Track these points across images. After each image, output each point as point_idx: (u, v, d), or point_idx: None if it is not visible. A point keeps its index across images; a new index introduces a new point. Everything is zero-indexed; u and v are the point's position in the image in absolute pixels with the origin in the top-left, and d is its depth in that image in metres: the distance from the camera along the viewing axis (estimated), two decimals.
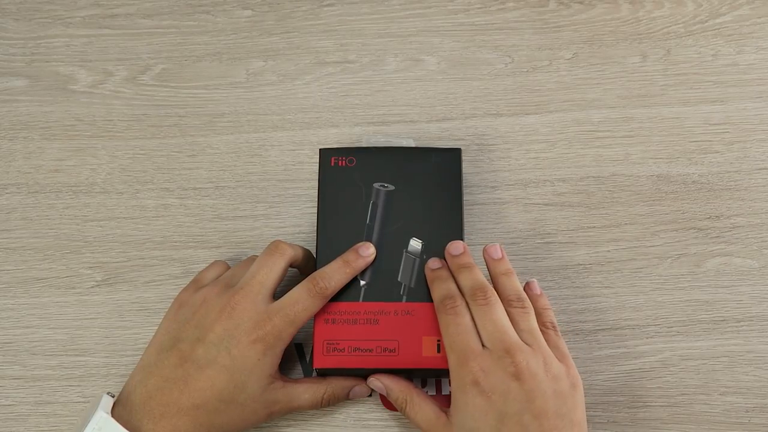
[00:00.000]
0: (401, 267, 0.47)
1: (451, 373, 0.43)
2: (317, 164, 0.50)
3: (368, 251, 0.47)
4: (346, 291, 0.47)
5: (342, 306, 0.46)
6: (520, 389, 0.41)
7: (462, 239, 0.48)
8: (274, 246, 0.47)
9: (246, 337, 0.44)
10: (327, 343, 0.46)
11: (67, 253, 0.53)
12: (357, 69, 0.57)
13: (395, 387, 0.46)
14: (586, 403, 0.49)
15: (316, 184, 0.51)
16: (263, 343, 0.44)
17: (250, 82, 0.57)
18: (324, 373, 0.48)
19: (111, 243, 0.54)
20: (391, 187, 0.49)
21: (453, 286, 0.46)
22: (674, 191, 0.54)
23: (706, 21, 0.58)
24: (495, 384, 0.41)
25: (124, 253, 0.53)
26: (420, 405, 0.45)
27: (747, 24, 0.58)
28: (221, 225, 0.54)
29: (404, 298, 0.47)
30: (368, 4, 0.59)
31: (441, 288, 0.46)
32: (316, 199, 0.49)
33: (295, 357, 0.50)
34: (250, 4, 0.59)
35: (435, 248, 0.47)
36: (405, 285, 0.47)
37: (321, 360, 0.46)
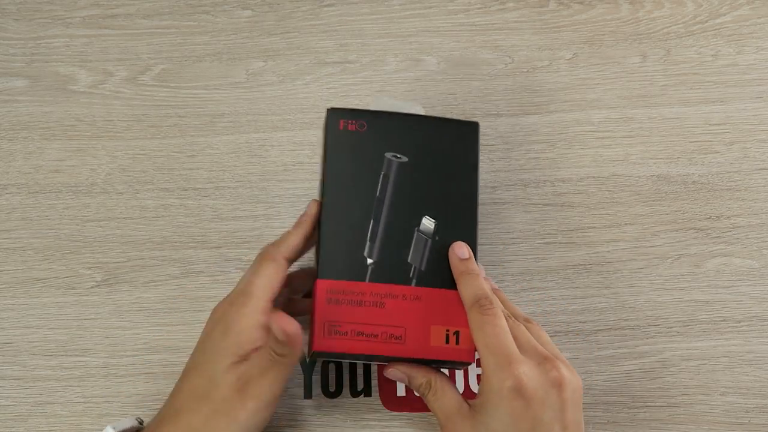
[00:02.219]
0: (412, 247, 0.44)
1: (486, 375, 0.41)
2: (316, 164, 0.50)
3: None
4: (352, 269, 0.43)
5: (346, 285, 0.43)
6: (558, 398, 0.40)
7: (476, 222, 0.45)
8: (259, 255, 0.44)
9: (208, 327, 0.44)
10: (328, 325, 0.42)
11: (67, 253, 0.53)
12: (357, 69, 0.57)
13: (417, 372, 0.43)
14: (586, 404, 0.49)
15: (316, 184, 0.51)
16: (221, 325, 0.43)
17: (250, 82, 0.57)
18: (324, 359, 0.46)
19: (111, 243, 0.54)
20: (405, 159, 0.44)
21: (486, 285, 0.44)
22: (674, 191, 0.54)
23: (706, 21, 0.58)
24: (536, 390, 0.40)
25: (124, 253, 0.53)
26: (443, 390, 0.42)
27: (747, 24, 0.58)
28: (221, 225, 0.54)
29: (413, 281, 0.43)
30: (368, 4, 0.59)
31: (474, 285, 0.43)
32: (321, 166, 0.45)
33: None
34: (250, 4, 0.59)
35: (448, 230, 0.44)
36: (415, 267, 0.44)
37: (321, 342, 0.42)
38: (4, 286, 0.53)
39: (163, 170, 0.55)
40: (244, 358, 0.42)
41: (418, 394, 0.44)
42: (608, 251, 0.53)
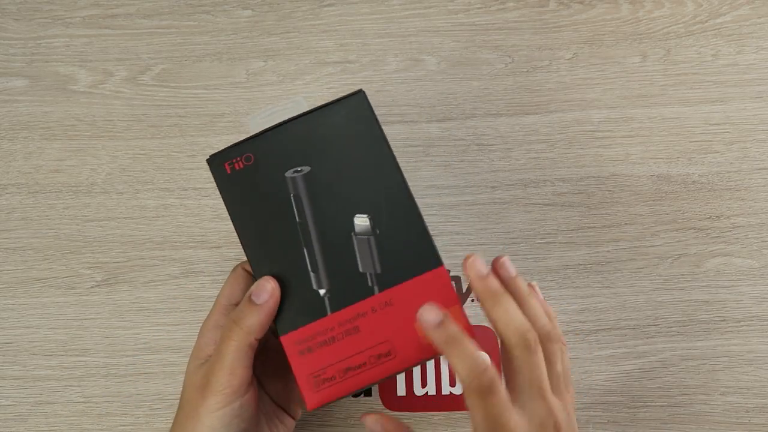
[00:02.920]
0: (357, 255, 0.39)
1: (530, 413, 0.36)
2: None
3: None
4: (309, 309, 0.39)
5: (311, 328, 0.39)
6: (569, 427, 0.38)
7: (408, 189, 0.40)
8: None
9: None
10: (312, 378, 0.38)
11: (67, 253, 0.53)
12: (357, 69, 0.57)
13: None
14: (586, 403, 0.49)
15: None
16: (200, 333, 0.43)
17: (250, 82, 0.57)
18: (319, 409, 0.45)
19: (111, 243, 0.54)
20: (307, 169, 0.40)
21: (520, 312, 0.38)
22: (674, 191, 0.54)
23: (706, 21, 0.58)
24: (563, 424, 0.37)
25: (124, 253, 0.53)
26: None
27: (747, 24, 0.58)
28: (221, 225, 0.54)
29: (376, 289, 0.39)
30: (368, 4, 0.59)
31: (514, 318, 0.37)
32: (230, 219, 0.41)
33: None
34: (250, 4, 0.59)
35: (386, 216, 0.39)
36: (370, 274, 0.39)
37: (314, 398, 0.38)
38: (4, 286, 0.53)
39: (163, 170, 0.55)
40: (207, 358, 0.41)
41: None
42: (608, 251, 0.53)
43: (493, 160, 0.55)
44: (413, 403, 0.49)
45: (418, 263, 0.39)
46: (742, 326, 0.51)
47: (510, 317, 0.37)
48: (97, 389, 0.50)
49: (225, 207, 0.40)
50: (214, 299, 0.52)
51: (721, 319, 0.51)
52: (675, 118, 0.56)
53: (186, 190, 0.55)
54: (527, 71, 0.57)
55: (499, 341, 0.38)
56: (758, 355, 0.51)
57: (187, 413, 0.40)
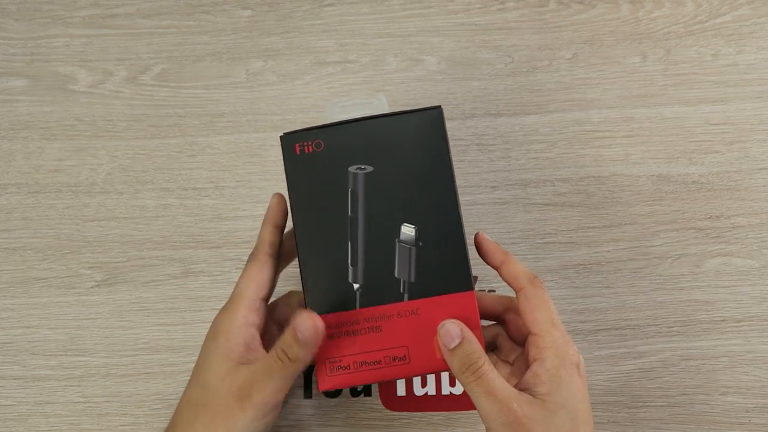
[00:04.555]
0: (396, 260, 0.41)
1: (557, 351, 0.39)
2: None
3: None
4: (340, 299, 0.41)
5: (338, 317, 0.40)
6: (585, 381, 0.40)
7: (459, 212, 0.41)
8: (250, 255, 0.43)
9: (207, 335, 0.42)
10: (329, 362, 0.40)
11: (67, 253, 0.53)
12: (357, 69, 0.57)
13: (471, 345, 0.39)
14: None
15: None
16: (211, 331, 0.42)
17: (250, 82, 0.57)
18: (331, 395, 0.46)
19: (111, 243, 0.54)
20: (369, 168, 0.41)
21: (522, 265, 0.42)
22: (674, 191, 0.54)
23: (706, 21, 0.58)
24: (583, 370, 0.40)
25: (124, 253, 0.53)
26: (496, 373, 0.39)
27: (747, 24, 0.58)
28: (221, 225, 0.54)
29: (406, 296, 0.41)
30: (368, 4, 0.59)
31: (522, 266, 0.42)
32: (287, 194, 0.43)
33: None
34: (250, 4, 0.59)
35: (431, 231, 0.41)
36: (404, 281, 0.41)
37: (326, 381, 0.40)
38: (4, 286, 0.53)
39: (163, 170, 0.55)
40: (242, 361, 0.40)
41: (461, 378, 0.39)
42: (608, 251, 0.53)
43: (493, 160, 0.55)
44: (413, 403, 0.49)
45: (450, 283, 0.41)
46: (742, 326, 0.51)
47: (518, 266, 0.42)
48: (97, 389, 0.50)
49: (286, 182, 0.41)
50: (214, 299, 0.52)
51: (721, 319, 0.51)
52: (675, 118, 0.56)
53: (186, 190, 0.55)
54: (527, 71, 0.57)
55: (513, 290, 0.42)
56: (758, 355, 0.51)
57: (216, 413, 0.40)
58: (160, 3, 0.59)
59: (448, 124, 0.56)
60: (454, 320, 0.39)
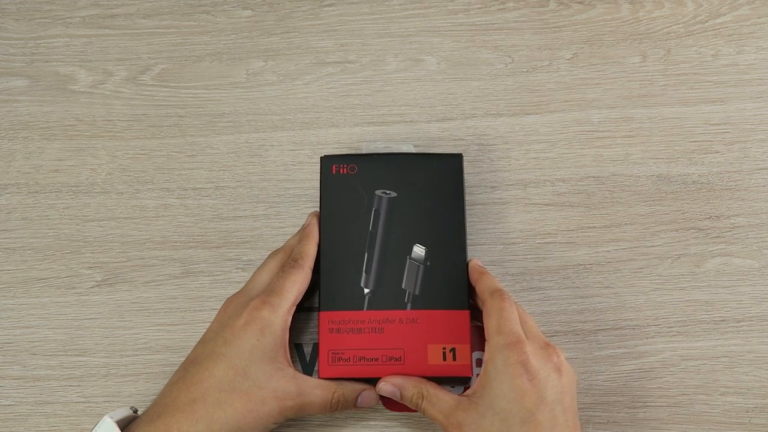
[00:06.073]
0: (405, 274, 0.48)
1: (493, 354, 0.43)
2: (317, 164, 0.50)
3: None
4: (351, 299, 0.47)
5: (346, 315, 0.47)
6: (558, 381, 0.42)
7: (465, 244, 0.48)
8: (292, 261, 0.47)
9: (238, 321, 0.44)
10: (332, 353, 0.46)
11: (67, 253, 0.53)
12: (357, 69, 0.57)
13: (408, 384, 0.45)
14: (586, 403, 0.49)
15: (316, 183, 0.51)
16: (257, 323, 0.44)
17: (250, 82, 0.57)
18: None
19: (111, 243, 0.54)
20: (393, 194, 0.49)
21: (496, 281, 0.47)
22: (674, 191, 0.54)
23: (706, 21, 0.58)
24: (540, 370, 0.42)
25: (124, 253, 0.53)
26: (437, 396, 0.44)
27: (747, 24, 0.58)
28: (221, 225, 0.54)
29: (409, 305, 0.47)
30: (368, 4, 0.59)
31: (491, 282, 0.46)
32: (319, 207, 0.49)
33: (296, 357, 0.50)
34: (250, 4, 0.59)
35: (438, 255, 0.48)
36: (409, 293, 0.47)
37: (326, 370, 0.46)
38: (4, 286, 0.53)
39: (163, 170, 0.55)
40: (280, 366, 0.44)
41: (412, 407, 0.45)
42: (608, 251, 0.53)
43: (493, 160, 0.55)
44: None
45: (449, 300, 0.47)
46: (742, 326, 0.51)
47: (486, 282, 0.47)
48: (97, 389, 0.50)
49: (319, 196, 0.49)
50: (214, 299, 0.52)
51: (721, 319, 0.51)
52: (675, 118, 0.56)
53: (186, 190, 0.55)
54: (527, 71, 0.57)
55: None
56: (758, 355, 0.51)
57: (253, 409, 0.43)
58: (160, 3, 0.59)
59: (448, 124, 0.56)
60: (386, 383, 0.45)
